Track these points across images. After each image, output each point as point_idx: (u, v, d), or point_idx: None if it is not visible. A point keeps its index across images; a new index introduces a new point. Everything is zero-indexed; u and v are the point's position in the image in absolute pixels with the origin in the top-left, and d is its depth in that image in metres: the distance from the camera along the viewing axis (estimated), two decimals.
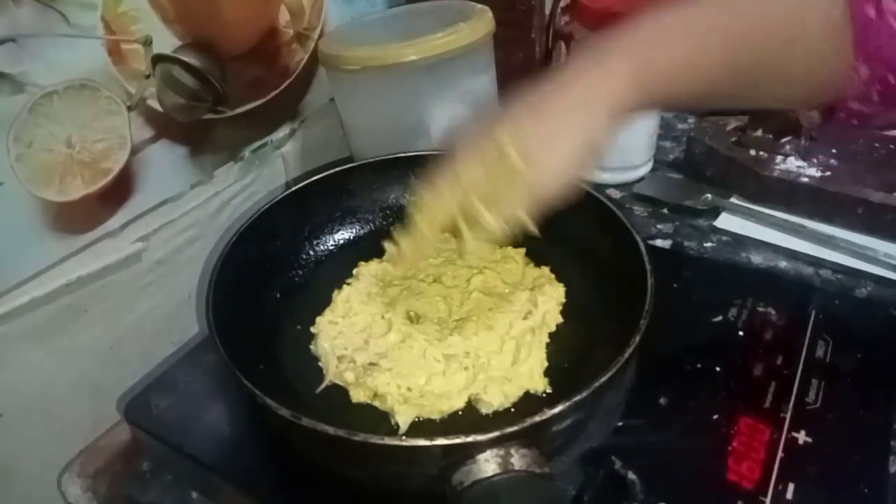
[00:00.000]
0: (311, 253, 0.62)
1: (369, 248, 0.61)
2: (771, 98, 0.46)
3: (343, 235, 0.64)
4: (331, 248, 0.63)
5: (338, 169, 0.62)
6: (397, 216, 0.65)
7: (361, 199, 0.64)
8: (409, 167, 0.63)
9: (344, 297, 0.55)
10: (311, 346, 0.52)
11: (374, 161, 0.63)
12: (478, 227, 0.40)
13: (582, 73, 0.40)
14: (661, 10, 0.41)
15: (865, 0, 0.35)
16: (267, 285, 0.57)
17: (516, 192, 0.39)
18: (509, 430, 0.37)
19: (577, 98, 0.39)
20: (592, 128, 0.39)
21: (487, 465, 0.36)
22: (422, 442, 0.37)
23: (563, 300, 0.54)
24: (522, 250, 0.59)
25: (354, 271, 0.59)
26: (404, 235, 0.44)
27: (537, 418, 0.37)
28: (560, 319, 0.53)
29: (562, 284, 0.56)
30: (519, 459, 0.36)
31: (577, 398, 0.38)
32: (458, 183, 0.40)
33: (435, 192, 0.41)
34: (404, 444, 0.39)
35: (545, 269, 0.57)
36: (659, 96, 0.41)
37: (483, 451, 0.36)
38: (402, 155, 0.63)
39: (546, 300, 0.53)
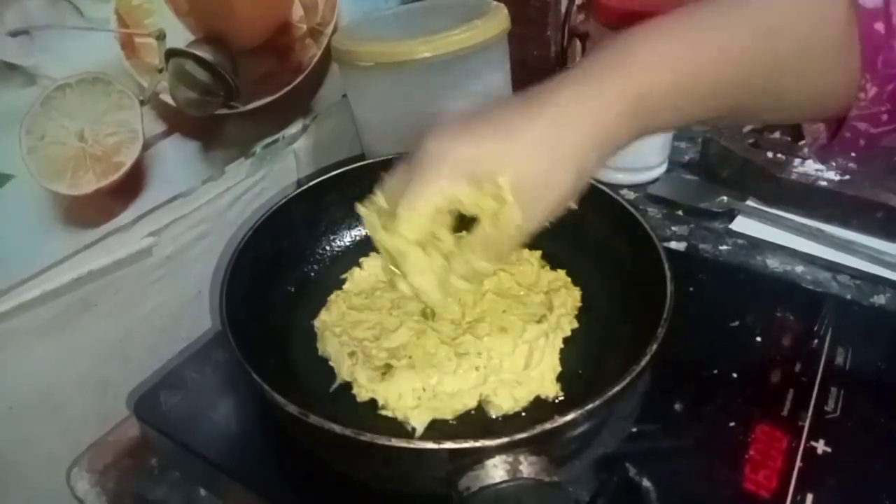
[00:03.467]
0: (328, 248, 0.62)
1: None
2: (765, 119, 0.44)
3: (360, 232, 0.63)
4: (347, 243, 0.63)
5: (357, 164, 0.62)
6: None
7: None
8: None
9: (340, 299, 0.55)
10: (319, 347, 0.52)
11: (393, 158, 0.62)
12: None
13: (573, 102, 0.38)
14: (650, 28, 0.39)
15: (875, 16, 0.34)
16: (282, 279, 0.57)
17: (509, 238, 0.38)
18: (519, 436, 0.36)
19: (569, 134, 0.38)
20: (584, 165, 0.38)
21: (495, 471, 0.35)
22: (429, 445, 0.37)
23: (579, 304, 0.54)
24: (538, 253, 0.58)
25: (349, 273, 0.58)
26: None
27: (548, 425, 0.37)
28: (575, 324, 0.52)
29: (577, 288, 0.55)
30: (528, 467, 0.35)
31: (589, 406, 0.37)
32: (442, 203, 0.38)
33: (417, 208, 0.38)
34: (411, 446, 0.38)
35: (561, 273, 0.56)
36: (650, 128, 0.40)
37: (491, 456, 0.36)
38: None
39: (561, 304, 0.52)
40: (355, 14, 0.70)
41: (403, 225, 0.38)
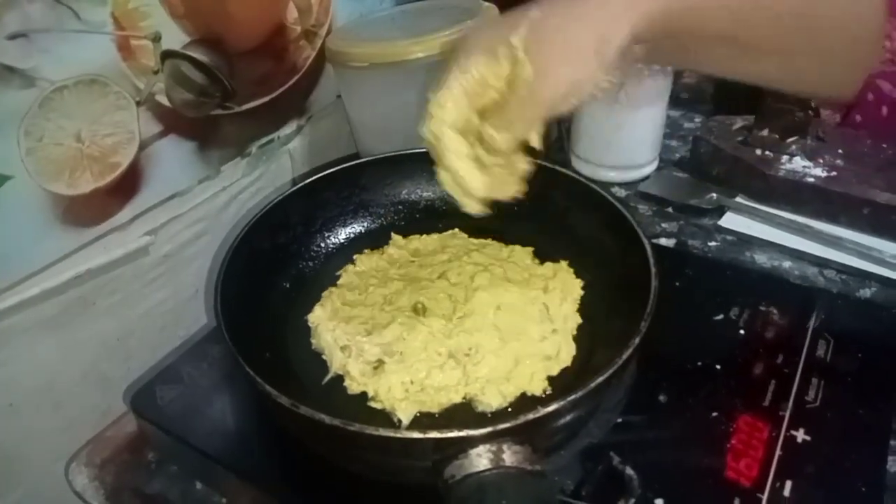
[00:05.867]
0: (323, 245, 0.63)
1: (380, 241, 0.62)
2: (800, 71, 0.43)
3: (355, 229, 0.64)
4: (342, 240, 0.64)
5: (352, 163, 0.63)
6: (409, 211, 0.66)
7: (374, 193, 0.65)
8: (424, 163, 0.63)
9: (334, 295, 0.56)
10: (313, 341, 0.53)
11: (389, 156, 0.64)
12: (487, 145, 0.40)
13: None
14: None
15: None
16: (277, 276, 0.58)
17: (525, 104, 0.38)
18: (502, 426, 0.37)
19: (596, 3, 0.37)
20: (609, 35, 0.37)
21: (479, 460, 0.36)
22: (415, 435, 0.38)
23: (580, 294, 0.55)
24: (530, 249, 0.59)
25: (343, 269, 0.59)
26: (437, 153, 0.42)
27: (531, 416, 0.38)
28: None
29: (573, 275, 0.56)
30: (511, 456, 0.37)
31: (571, 398, 0.38)
32: (468, 82, 0.39)
33: (447, 92, 0.40)
34: (398, 435, 0.40)
35: (563, 264, 0.57)
36: (683, 22, 0.38)
37: (475, 446, 0.37)
38: (417, 151, 0.63)
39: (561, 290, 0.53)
40: (349, 15, 0.71)
41: (435, 108, 0.40)
